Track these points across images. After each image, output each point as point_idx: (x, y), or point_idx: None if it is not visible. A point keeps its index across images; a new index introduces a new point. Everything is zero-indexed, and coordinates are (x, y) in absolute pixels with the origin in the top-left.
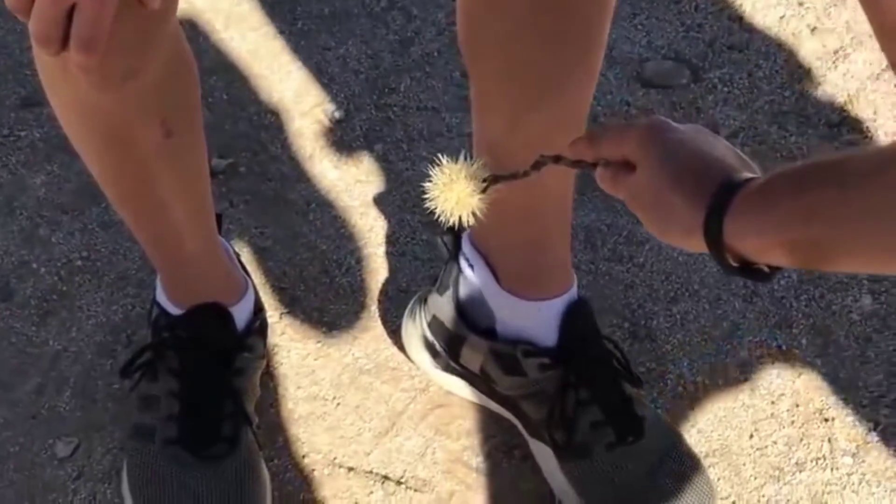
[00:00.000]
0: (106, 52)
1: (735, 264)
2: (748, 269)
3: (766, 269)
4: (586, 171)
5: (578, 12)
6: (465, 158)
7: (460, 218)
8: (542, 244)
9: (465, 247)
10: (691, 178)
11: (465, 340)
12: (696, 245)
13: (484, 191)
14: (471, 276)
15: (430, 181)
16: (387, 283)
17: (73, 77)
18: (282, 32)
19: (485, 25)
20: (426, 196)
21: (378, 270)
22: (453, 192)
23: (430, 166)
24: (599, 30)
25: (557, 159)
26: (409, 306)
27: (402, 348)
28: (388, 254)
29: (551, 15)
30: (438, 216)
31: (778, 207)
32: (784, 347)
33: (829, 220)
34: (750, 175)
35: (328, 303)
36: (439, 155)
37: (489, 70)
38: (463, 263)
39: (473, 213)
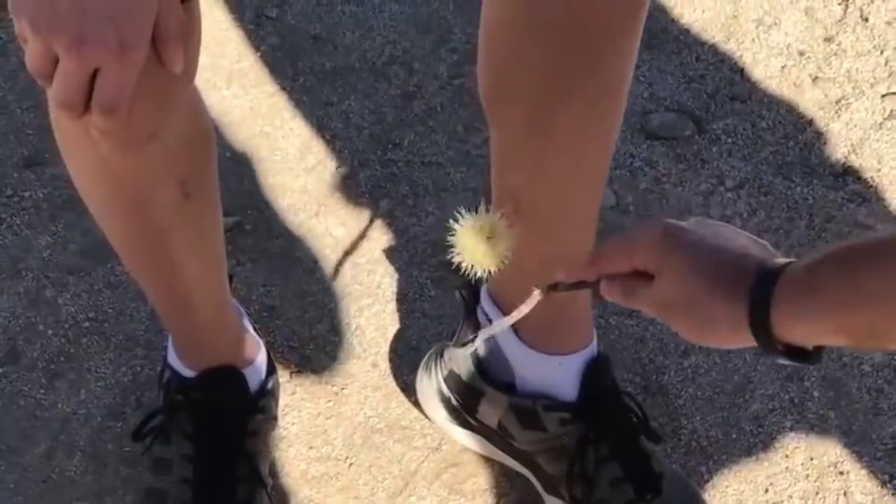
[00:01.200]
0: (128, 114)
1: (781, 349)
2: (796, 353)
3: (811, 350)
4: (591, 289)
5: (601, 65)
6: (486, 211)
7: (482, 268)
8: (563, 299)
9: (484, 301)
10: (724, 275)
11: (484, 395)
12: (743, 340)
13: (552, 291)
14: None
15: (453, 234)
16: (396, 340)
17: (93, 140)
18: (283, 89)
19: (510, 78)
20: (449, 247)
21: (387, 328)
22: (476, 245)
23: (451, 219)
24: (620, 84)
25: (554, 287)
26: (425, 361)
27: (414, 406)
28: (398, 311)
29: (574, 70)
30: (461, 269)
31: (826, 292)
32: (796, 400)
33: (886, 299)
34: (782, 260)
35: (338, 361)
36: (461, 209)
37: (513, 121)
38: (481, 318)
39: (496, 266)
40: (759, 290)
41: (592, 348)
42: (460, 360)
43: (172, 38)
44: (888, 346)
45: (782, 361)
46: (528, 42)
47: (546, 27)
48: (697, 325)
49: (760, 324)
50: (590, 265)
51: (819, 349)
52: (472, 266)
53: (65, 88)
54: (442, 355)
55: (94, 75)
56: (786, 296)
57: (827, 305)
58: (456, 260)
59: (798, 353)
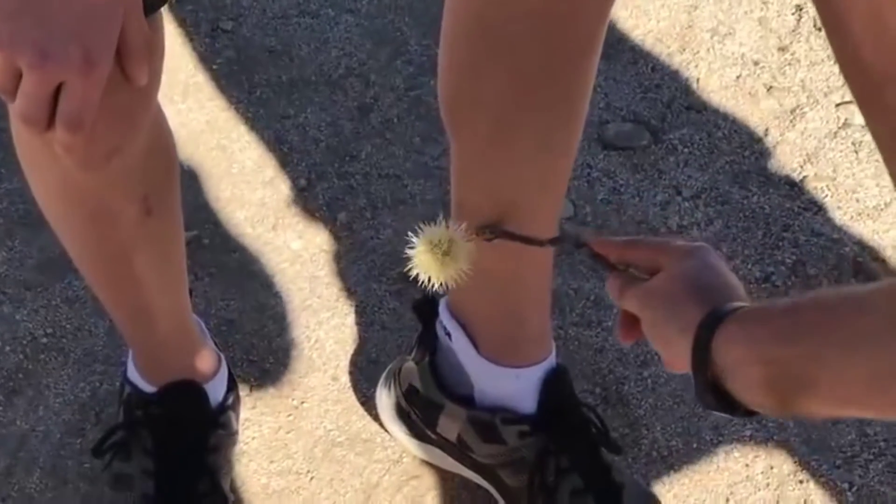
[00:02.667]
0: (91, 130)
1: (710, 381)
2: (720, 395)
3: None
4: (599, 267)
5: (562, 80)
6: (445, 224)
7: (441, 282)
8: (522, 312)
9: (443, 315)
10: (705, 290)
11: (443, 409)
12: (681, 351)
13: (491, 239)
14: (448, 345)
15: (411, 247)
16: (356, 353)
17: (55, 155)
18: (240, 102)
19: (471, 90)
20: (408, 260)
21: (347, 341)
22: (434, 259)
23: (410, 232)
24: (582, 97)
25: (579, 245)
26: (384, 376)
27: (374, 419)
28: (357, 324)
29: (536, 84)
30: (420, 281)
31: (769, 323)
32: None
33: (819, 338)
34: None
35: (298, 375)
36: (419, 223)
37: (474, 133)
38: (440, 331)
39: (454, 279)
40: (717, 312)
41: (551, 360)
42: (419, 374)
43: (137, 52)
44: (813, 396)
45: (702, 401)
46: (490, 55)
47: (508, 43)
48: (660, 318)
49: (705, 335)
50: (620, 245)
51: (739, 408)
52: (431, 280)
53: (28, 104)
54: (400, 370)
55: (57, 90)
56: (735, 318)
57: (763, 333)
58: (414, 274)
59: (721, 396)
